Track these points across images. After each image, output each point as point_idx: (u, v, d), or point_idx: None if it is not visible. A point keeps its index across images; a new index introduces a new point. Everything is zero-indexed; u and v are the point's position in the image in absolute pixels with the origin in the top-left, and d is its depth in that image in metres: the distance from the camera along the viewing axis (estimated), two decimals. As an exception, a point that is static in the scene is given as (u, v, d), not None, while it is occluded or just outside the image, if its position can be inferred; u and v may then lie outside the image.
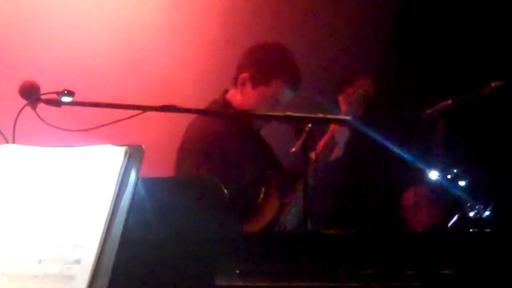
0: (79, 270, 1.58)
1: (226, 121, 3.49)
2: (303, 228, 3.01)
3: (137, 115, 2.63)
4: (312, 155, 3.16)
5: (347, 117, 3.17)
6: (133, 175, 1.68)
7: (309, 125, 2.93)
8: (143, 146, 1.73)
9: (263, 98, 3.50)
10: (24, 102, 2.52)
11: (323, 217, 4.22)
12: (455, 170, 3.52)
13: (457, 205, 3.51)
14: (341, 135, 3.55)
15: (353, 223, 4.27)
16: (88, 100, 2.66)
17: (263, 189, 3.37)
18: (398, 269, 2.12)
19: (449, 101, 3.32)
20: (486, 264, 2.11)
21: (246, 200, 3.34)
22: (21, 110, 2.49)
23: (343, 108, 3.53)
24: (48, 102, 2.55)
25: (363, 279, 2.11)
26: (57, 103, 2.55)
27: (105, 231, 1.62)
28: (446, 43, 4.66)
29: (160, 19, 4.55)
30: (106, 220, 1.63)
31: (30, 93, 2.53)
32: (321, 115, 2.93)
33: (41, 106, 2.54)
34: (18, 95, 2.54)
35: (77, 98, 2.59)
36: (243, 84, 3.53)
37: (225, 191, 1.74)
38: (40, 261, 1.61)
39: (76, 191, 1.69)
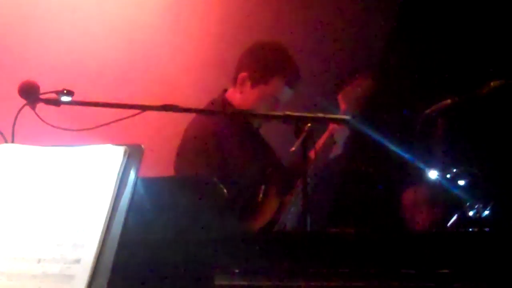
0: (78, 270, 1.58)
1: (226, 120, 3.49)
2: (302, 227, 3.01)
3: (136, 114, 2.63)
4: (311, 153, 3.16)
5: (347, 117, 3.17)
6: (132, 175, 1.69)
7: (309, 124, 2.93)
8: (142, 146, 1.73)
9: (263, 96, 3.50)
10: (24, 101, 2.52)
11: (323, 217, 4.22)
12: (454, 170, 3.51)
13: (456, 205, 3.51)
14: (340, 133, 3.55)
15: (353, 222, 4.27)
16: (87, 99, 2.66)
17: (262, 188, 3.37)
18: (398, 269, 2.12)
19: (449, 101, 3.32)
20: (486, 263, 2.11)
21: (246, 199, 3.34)
22: (20, 110, 2.49)
23: (342, 106, 3.53)
24: (48, 101, 2.55)
25: (363, 278, 2.11)
26: (56, 102, 2.55)
27: (104, 231, 1.62)
28: (445, 43, 4.66)
29: (160, 18, 4.55)
30: (105, 220, 1.63)
31: (30, 93, 2.53)
32: (320, 115, 2.94)
33: (40, 105, 2.54)
34: (17, 94, 2.54)
35: (77, 97, 2.59)
36: (242, 83, 3.53)
37: (224, 190, 1.74)
38: (39, 261, 1.61)
39: (76, 190, 1.69)
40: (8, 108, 2.48)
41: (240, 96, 3.53)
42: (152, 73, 4.48)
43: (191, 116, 3.50)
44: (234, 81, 3.56)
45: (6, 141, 2.23)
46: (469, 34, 4.57)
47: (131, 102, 2.68)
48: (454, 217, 3.50)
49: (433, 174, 3.51)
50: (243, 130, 3.54)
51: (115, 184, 1.67)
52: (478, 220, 3.43)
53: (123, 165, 1.70)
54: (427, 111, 3.36)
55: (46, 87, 2.57)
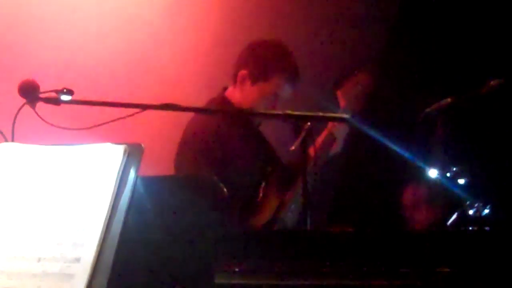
0: (78, 269, 1.58)
1: (225, 118, 3.49)
2: (302, 226, 3.01)
3: (136, 113, 2.63)
4: (311, 150, 3.15)
5: (346, 116, 3.17)
6: (132, 174, 1.69)
7: (308, 123, 2.93)
8: (142, 145, 1.73)
9: (263, 94, 3.50)
10: (23, 100, 2.52)
11: (323, 215, 4.22)
12: (454, 168, 3.51)
13: (456, 204, 3.51)
14: (339, 130, 3.54)
15: (353, 221, 4.27)
16: (87, 98, 2.66)
17: (263, 186, 3.37)
18: (398, 267, 2.12)
19: (449, 100, 3.33)
20: (485, 262, 2.11)
21: (246, 198, 3.34)
22: (20, 109, 2.49)
23: (342, 103, 3.51)
24: (47, 100, 2.55)
25: (363, 277, 2.11)
26: (56, 101, 2.55)
27: (104, 230, 1.62)
28: (445, 42, 4.66)
29: (159, 17, 4.55)
30: (105, 219, 1.63)
31: (29, 92, 2.53)
32: (320, 114, 2.94)
33: (40, 104, 2.54)
34: (17, 93, 2.54)
35: (76, 96, 2.59)
36: (242, 81, 3.53)
37: (224, 189, 1.74)
38: (39, 260, 1.61)
39: (76, 189, 1.69)
40: (8, 107, 2.48)
41: (240, 94, 3.53)
42: (152, 72, 4.48)
43: (190, 115, 3.50)
44: (234, 79, 3.56)
45: (6, 140, 2.24)
46: (469, 33, 4.57)
47: (131, 101, 2.68)
48: (454, 216, 3.51)
49: (433, 173, 3.51)
50: (243, 128, 3.54)
51: (115, 183, 1.67)
52: (478, 219, 3.43)
53: (123, 164, 1.70)
54: (427, 109, 3.36)
55: (46, 86, 2.57)
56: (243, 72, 3.53)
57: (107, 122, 2.62)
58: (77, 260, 1.59)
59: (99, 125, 2.61)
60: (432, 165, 3.49)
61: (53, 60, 4.17)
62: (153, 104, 2.68)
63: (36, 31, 4.26)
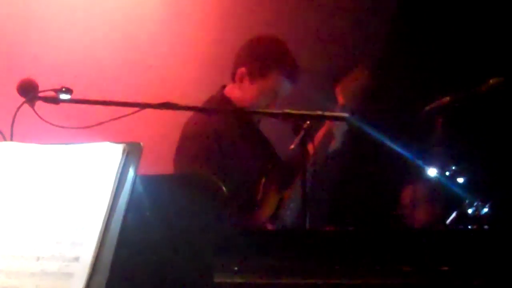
0: (77, 268, 1.58)
1: (225, 116, 3.49)
2: (301, 224, 3.00)
3: (135, 112, 2.63)
4: (310, 147, 3.14)
5: (345, 114, 3.16)
6: (131, 173, 1.68)
7: (307, 122, 2.93)
8: (141, 144, 1.72)
9: (262, 91, 3.49)
10: (22, 99, 2.52)
11: (322, 214, 4.22)
12: (453, 167, 3.52)
13: (455, 202, 3.51)
14: (338, 127, 3.53)
15: (352, 220, 4.27)
16: (86, 97, 2.66)
17: (262, 184, 3.37)
18: (397, 266, 2.12)
19: (448, 98, 3.33)
20: (485, 260, 2.11)
21: (246, 196, 3.34)
22: (19, 108, 2.49)
23: (340, 99, 3.50)
24: (46, 99, 2.55)
25: (362, 276, 2.11)
26: (55, 100, 2.55)
27: (103, 229, 1.62)
28: (444, 40, 4.66)
29: (158, 16, 4.55)
30: (104, 218, 1.63)
31: (28, 91, 2.53)
32: (319, 112, 2.93)
33: (39, 103, 2.54)
34: (16, 92, 2.54)
35: (75, 95, 2.59)
36: (241, 78, 3.52)
37: (223, 188, 1.74)
38: (38, 259, 1.61)
39: (74, 188, 1.69)
40: (7, 106, 2.48)
41: (240, 92, 3.53)
42: (151, 71, 4.48)
43: (189, 114, 3.50)
44: (233, 77, 3.56)
45: (5, 139, 2.24)
46: (469, 31, 4.58)
47: (130, 100, 2.68)
48: (453, 215, 3.51)
49: (432, 172, 3.52)
50: (242, 125, 3.53)
51: (114, 182, 1.67)
52: (477, 218, 3.44)
53: (122, 163, 1.69)
54: (426, 108, 3.36)
55: (45, 85, 2.57)
56: (241, 69, 3.52)
57: (106, 121, 2.62)
58: (76, 259, 1.59)
59: (98, 124, 2.61)
60: (432, 164, 3.49)
61: (52, 59, 4.17)
62: (151, 103, 2.68)
63: (35, 30, 4.26)
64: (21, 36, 4.21)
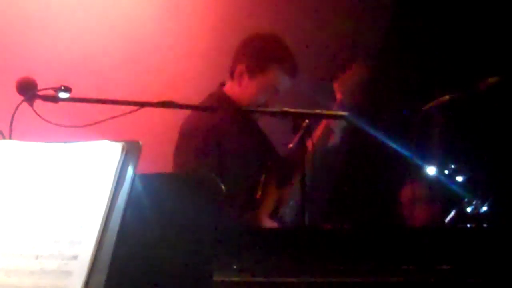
0: (76, 266, 1.58)
1: (224, 113, 3.49)
2: (300, 222, 3.01)
3: (134, 111, 2.63)
4: (309, 143, 3.13)
5: (345, 113, 3.16)
6: (130, 171, 1.68)
7: (306, 120, 2.93)
8: (140, 142, 1.72)
9: (261, 87, 3.49)
10: (21, 98, 2.53)
11: (321, 212, 4.22)
12: (452, 166, 3.52)
13: (454, 201, 3.51)
14: (337, 122, 3.53)
15: (351, 218, 4.27)
16: (85, 96, 2.66)
17: (262, 181, 3.37)
18: (396, 264, 2.13)
19: (447, 97, 3.33)
20: (484, 259, 2.11)
21: (245, 194, 3.34)
22: (18, 106, 2.50)
23: (338, 95, 3.50)
24: (45, 98, 2.55)
25: (362, 274, 2.11)
26: (54, 99, 2.56)
27: (102, 227, 1.61)
28: (443, 39, 4.66)
29: (158, 14, 4.55)
30: (103, 216, 1.63)
31: (27, 89, 2.53)
32: (318, 111, 2.94)
33: (38, 102, 2.54)
34: (15, 91, 2.54)
35: (74, 94, 2.59)
36: (240, 76, 3.52)
37: (222, 186, 1.74)
38: (37, 257, 1.61)
39: (73, 187, 1.69)
40: (6, 105, 2.48)
41: (239, 89, 3.52)
42: (150, 70, 4.48)
43: (188, 113, 3.50)
44: (232, 74, 3.56)
45: (4, 138, 2.23)
46: (468, 29, 4.57)
47: (129, 98, 2.68)
48: (452, 213, 3.51)
49: (431, 170, 3.52)
50: (241, 123, 3.53)
51: (113, 181, 1.66)
52: (476, 216, 3.44)
53: (121, 161, 1.69)
54: (425, 107, 3.36)
55: (43, 83, 2.57)
56: (240, 66, 3.52)
57: (105, 120, 2.62)
58: (75, 257, 1.59)
59: (96, 122, 2.61)
60: (430, 162, 3.49)
61: (51, 57, 4.17)
62: (150, 102, 2.68)
63: (34, 29, 4.26)
64: (20, 35, 4.21)
